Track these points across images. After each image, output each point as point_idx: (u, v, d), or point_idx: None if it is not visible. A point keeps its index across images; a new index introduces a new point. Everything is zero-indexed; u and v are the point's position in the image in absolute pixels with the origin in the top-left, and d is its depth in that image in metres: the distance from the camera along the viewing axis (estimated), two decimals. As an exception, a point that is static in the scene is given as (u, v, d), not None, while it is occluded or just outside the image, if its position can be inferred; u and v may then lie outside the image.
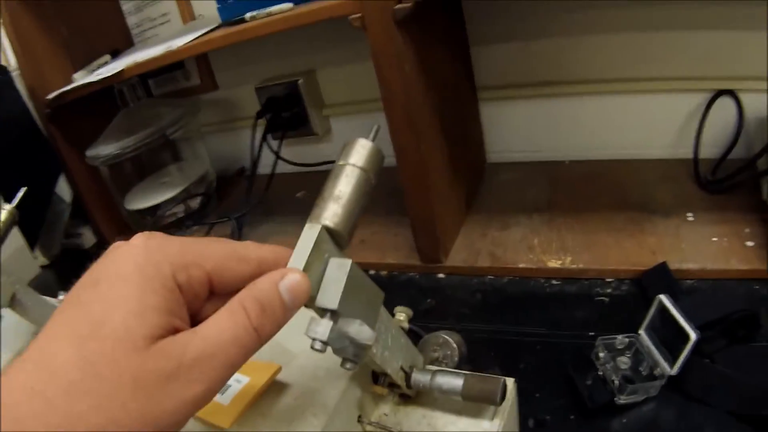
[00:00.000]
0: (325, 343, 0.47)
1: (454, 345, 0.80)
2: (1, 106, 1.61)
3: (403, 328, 0.69)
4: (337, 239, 0.52)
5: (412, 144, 1.00)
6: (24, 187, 1.41)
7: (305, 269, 0.48)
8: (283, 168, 1.69)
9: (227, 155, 1.94)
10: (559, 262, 1.01)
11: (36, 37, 1.55)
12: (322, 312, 0.49)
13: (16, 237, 1.59)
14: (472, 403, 0.65)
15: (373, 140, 0.57)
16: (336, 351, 0.51)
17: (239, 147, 1.85)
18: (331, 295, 0.49)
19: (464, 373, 0.65)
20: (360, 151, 0.55)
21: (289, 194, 1.65)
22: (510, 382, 0.67)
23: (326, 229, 0.51)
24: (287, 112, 1.65)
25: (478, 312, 1.03)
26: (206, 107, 1.86)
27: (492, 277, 1.07)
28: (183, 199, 1.77)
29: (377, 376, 0.68)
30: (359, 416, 0.69)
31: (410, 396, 0.71)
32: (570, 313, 0.93)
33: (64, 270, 1.89)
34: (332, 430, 0.64)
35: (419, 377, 0.67)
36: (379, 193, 1.43)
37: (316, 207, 0.53)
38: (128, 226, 1.84)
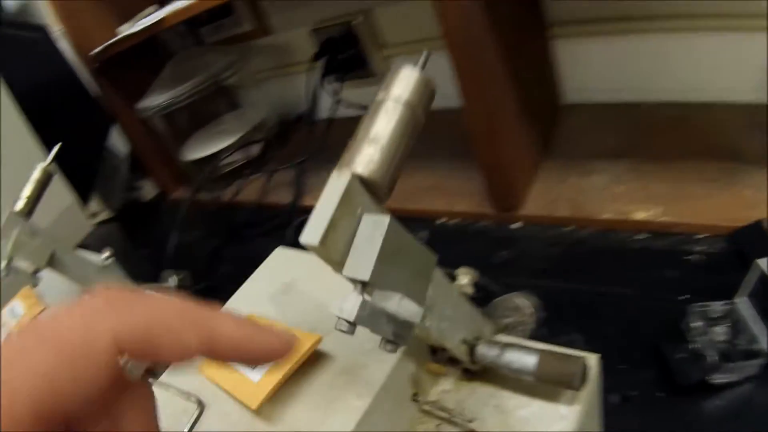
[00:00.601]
0: (352, 324, 0.37)
1: (528, 310, 0.68)
2: (43, 65, 1.59)
3: (466, 294, 0.58)
4: (373, 191, 0.41)
5: (475, 83, 0.89)
6: (72, 143, 1.36)
7: (330, 228, 0.37)
8: (344, 112, 1.59)
9: (288, 101, 1.85)
10: (647, 213, 0.88)
11: None
12: (353, 283, 0.39)
13: (65, 195, 1.56)
14: (548, 383, 0.54)
15: (422, 69, 0.45)
16: (374, 331, 0.40)
17: (299, 92, 1.76)
18: (362, 262, 0.38)
19: (539, 349, 0.53)
20: (403, 82, 0.44)
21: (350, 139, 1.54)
22: (593, 360, 0.55)
23: (358, 179, 0.40)
24: (345, 54, 1.54)
25: (555, 268, 0.91)
26: (261, 53, 1.78)
27: (572, 228, 0.95)
28: (241, 146, 1.71)
29: (435, 350, 0.57)
30: (414, 394, 0.59)
31: (476, 371, 0.60)
32: (658, 272, 0.82)
33: (126, 223, 1.87)
34: (378, 413, 0.54)
35: (486, 351, 0.56)
36: (450, 133, 1.35)
37: (347, 151, 0.42)
38: (186, 176, 1.80)
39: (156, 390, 0.72)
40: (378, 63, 1.52)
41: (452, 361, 0.58)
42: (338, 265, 0.39)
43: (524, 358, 0.53)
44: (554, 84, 1.25)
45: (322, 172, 1.45)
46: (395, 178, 0.42)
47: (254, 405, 0.56)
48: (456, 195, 1.13)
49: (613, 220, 0.92)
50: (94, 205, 1.90)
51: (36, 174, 0.96)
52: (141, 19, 1.51)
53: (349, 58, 1.53)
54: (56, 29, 1.57)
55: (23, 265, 0.93)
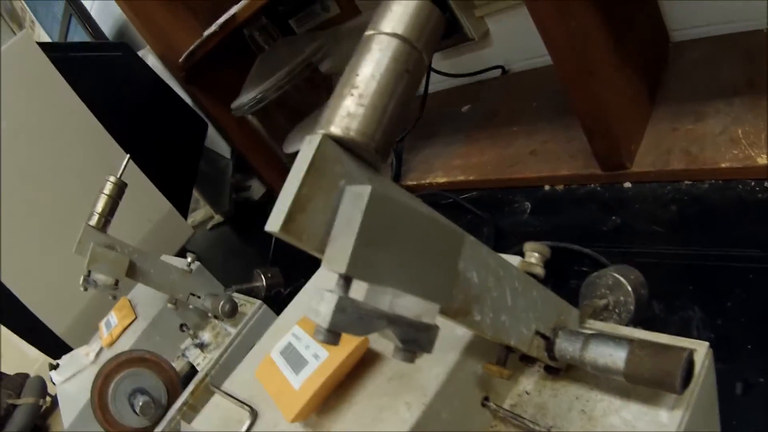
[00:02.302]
0: (330, 332, 0.28)
1: (629, 288, 0.56)
2: (129, 80, 1.61)
3: (535, 276, 0.47)
4: (360, 154, 0.32)
5: (560, 23, 0.75)
6: (168, 152, 1.37)
7: (296, 208, 0.29)
8: (442, 84, 1.53)
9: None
10: None
11: (153, 8, 1.51)
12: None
13: (162, 203, 1.57)
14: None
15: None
16: (383, 336, 0.31)
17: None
18: (338, 249, 0.29)
19: (630, 340, 0.42)
20: (396, 12, 0.33)
21: (452, 111, 1.45)
22: (701, 351, 0.43)
23: (334, 141, 0.31)
24: (435, 20, 1.43)
25: (672, 230, 0.77)
26: (352, 35, 1.71)
27: (689, 182, 0.80)
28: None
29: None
30: (485, 398, 0.49)
31: (559, 369, 0.49)
32: None
33: (237, 225, 1.88)
34: (434, 422, 0.45)
35: (565, 345, 0.45)
36: (549, 91, 1.22)
37: (325, 109, 0.33)
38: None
39: (215, 398, 0.68)
40: (471, 24, 1.39)
41: (528, 359, 0.48)
42: (319, 252, 0.30)
43: (611, 354, 0.42)
44: (659, 21, 1.08)
45: (424, 149, 1.38)
46: (390, 135, 0.32)
47: (289, 417, 0.48)
48: (559, 159, 1.00)
49: (735, 169, 0.77)
50: (206, 210, 1.93)
51: (107, 188, 0.94)
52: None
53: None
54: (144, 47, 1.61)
55: (101, 277, 0.92)
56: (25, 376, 1.79)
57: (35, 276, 1.39)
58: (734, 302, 0.63)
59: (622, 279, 0.56)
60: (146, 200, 1.52)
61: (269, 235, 1.11)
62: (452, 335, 0.48)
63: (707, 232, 0.73)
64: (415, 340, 0.31)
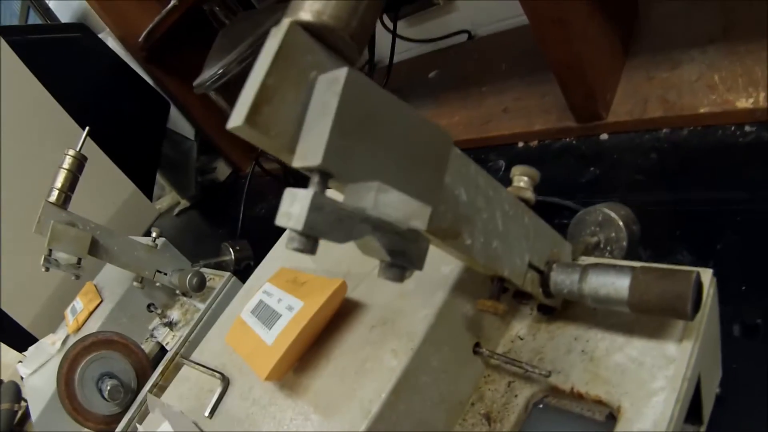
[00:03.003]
0: (307, 237, 0.23)
1: (620, 223, 0.53)
2: (88, 61, 1.58)
3: (526, 201, 0.43)
4: (333, 44, 0.28)
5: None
6: (129, 133, 1.31)
7: (262, 99, 0.24)
8: (409, 51, 1.50)
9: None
10: (751, 100, 0.71)
11: None
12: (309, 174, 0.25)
13: (126, 184, 1.52)
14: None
15: None
16: (360, 246, 0.27)
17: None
18: (312, 140, 0.24)
19: (631, 267, 0.38)
20: None
21: (420, 77, 1.41)
22: (705, 275, 0.39)
23: (304, 28, 0.26)
24: (397, -11, 1.40)
25: (655, 178, 0.75)
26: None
27: (667, 130, 0.78)
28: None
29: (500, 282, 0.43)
30: (476, 344, 0.45)
31: (554, 308, 0.46)
32: None
33: (205, 207, 1.83)
34: (423, 373, 0.41)
35: (562, 278, 0.42)
36: (517, 52, 1.19)
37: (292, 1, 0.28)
38: (256, 149, 1.73)
39: (184, 370, 0.63)
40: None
41: (522, 295, 0.44)
42: (289, 152, 0.26)
43: (613, 281, 0.38)
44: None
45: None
46: (366, 23, 0.28)
47: (263, 375, 0.44)
48: (532, 114, 0.97)
49: (712, 114, 0.75)
50: (172, 196, 1.88)
51: (66, 162, 0.88)
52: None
53: (403, -10, 1.39)
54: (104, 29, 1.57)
55: (63, 256, 0.87)
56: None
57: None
58: (724, 245, 0.61)
59: (612, 214, 0.53)
60: (109, 182, 1.46)
61: (237, 215, 1.06)
62: (438, 274, 0.44)
63: (690, 178, 0.71)
64: (404, 252, 0.27)
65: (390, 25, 1.35)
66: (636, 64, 0.90)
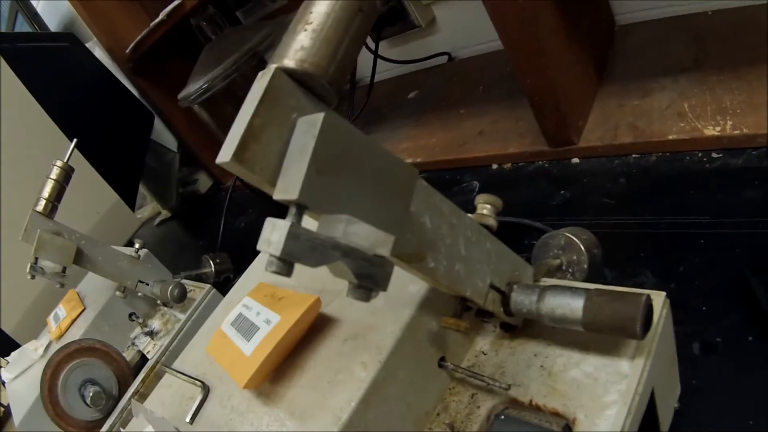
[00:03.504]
0: (284, 262, 0.27)
1: (582, 247, 0.56)
2: (76, 70, 1.60)
3: (488, 227, 0.47)
4: (312, 88, 0.31)
5: (511, 4, 0.76)
6: (114, 143, 1.33)
7: (249, 138, 0.28)
8: (390, 72, 1.53)
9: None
10: (718, 128, 0.75)
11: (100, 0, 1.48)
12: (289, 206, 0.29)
13: (109, 194, 1.54)
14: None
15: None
16: (331, 270, 0.30)
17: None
18: (291, 177, 0.28)
19: (586, 289, 0.42)
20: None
21: (400, 98, 1.45)
22: (658, 298, 0.43)
23: (287, 73, 0.30)
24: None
25: (623, 201, 0.79)
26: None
27: (637, 155, 0.83)
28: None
29: (465, 302, 0.46)
30: (441, 358, 0.48)
31: (516, 326, 0.49)
32: (738, 194, 0.69)
33: (185, 218, 1.85)
34: (391, 384, 0.44)
35: (521, 298, 0.45)
36: (496, 75, 1.23)
37: (278, 46, 0.32)
38: (238, 162, 1.75)
39: (165, 378, 0.66)
40: (418, 12, 1.40)
41: (485, 313, 0.47)
42: (270, 185, 0.29)
43: (568, 302, 0.42)
44: (606, 4, 1.10)
45: (372, 134, 1.37)
46: (344, 68, 0.31)
47: (242, 383, 0.47)
48: (507, 138, 1.01)
49: (681, 140, 0.79)
50: (153, 206, 1.89)
51: (53, 173, 0.91)
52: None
53: (387, 12, 1.42)
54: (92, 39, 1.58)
55: (49, 265, 0.89)
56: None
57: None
58: (686, 266, 0.64)
59: (574, 238, 0.57)
60: (93, 191, 1.48)
61: (217, 227, 1.08)
62: (406, 293, 0.48)
63: (657, 202, 0.75)
64: (370, 275, 0.30)
65: (372, 46, 1.38)
66: (609, 92, 0.94)
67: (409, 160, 1.18)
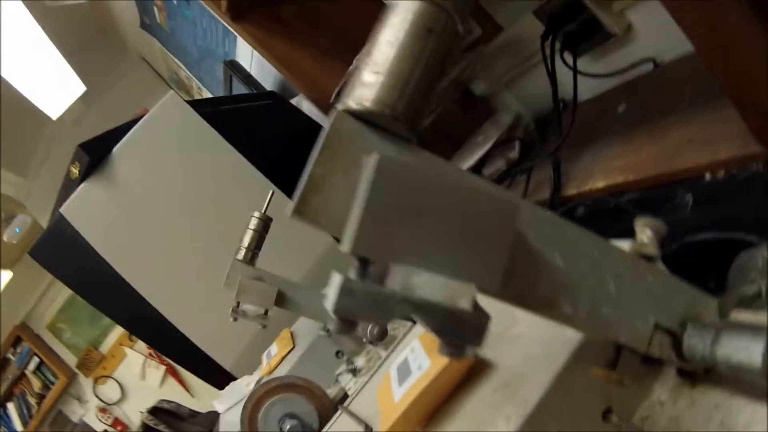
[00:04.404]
0: (343, 320, 0.25)
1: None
2: (281, 124, 1.72)
3: (648, 257, 0.40)
4: (388, 128, 0.29)
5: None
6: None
7: (311, 190, 0.26)
8: (597, 88, 1.41)
9: (542, 95, 1.71)
10: None
11: (295, 55, 1.57)
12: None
13: (323, 235, 1.59)
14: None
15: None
16: (427, 326, 0.28)
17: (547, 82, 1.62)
18: (351, 226, 0.26)
19: (769, 329, 0.34)
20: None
21: (608, 113, 1.36)
22: None
23: (352, 116, 0.28)
24: (573, 24, 1.36)
25: None
26: (499, 53, 1.66)
27: None
28: (500, 152, 1.61)
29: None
30: (606, 410, 0.42)
31: (695, 372, 0.42)
32: None
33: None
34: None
35: (695, 341, 0.38)
36: (703, 77, 1.09)
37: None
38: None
39: (341, 417, 0.66)
40: (612, 20, 1.30)
41: (655, 360, 0.41)
42: (341, 235, 0.28)
43: (747, 346, 0.34)
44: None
45: (582, 156, 1.30)
46: (417, 103, 0.28)
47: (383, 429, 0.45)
48: (716, 143, 0.89)
49: None
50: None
51: (252, 223, 0.98)
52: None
53: (580, 25, 1.35)
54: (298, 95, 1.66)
55: (250, 308, 0.95)
56: (217, 414, 1.90)
57: (201, 315, 1.49)
58: None
59: (771, 258, 0.47)
60: (308, 235, 1.55)
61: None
62: (561, 337, 0.43)
63: None
64: (455, 331, 0.27)
65: (570, 63, 1.31)
66: None
67: (620, 180, 1.10)
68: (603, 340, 0.37)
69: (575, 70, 1.31)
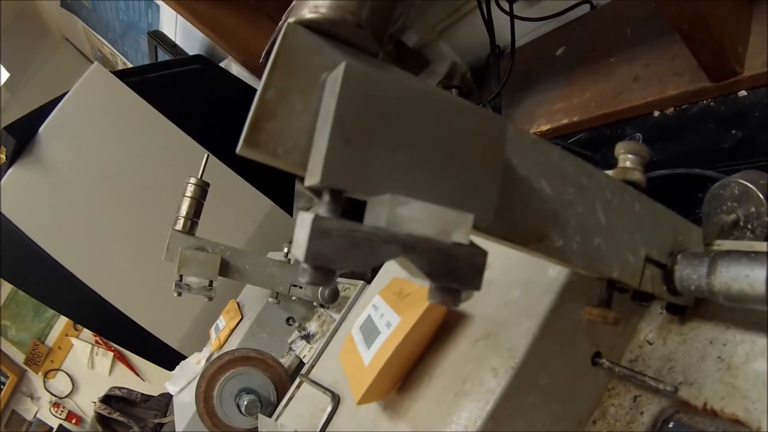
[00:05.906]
0: (317, 269, 0.20)
1: (760, 194, 0.44)
2: (211, 88, 1.65)
3: (635, 184, 0.37)
4: (344, 37, 0.24)
5: None
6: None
7: (259, 117, 0.21)
8: (533, 33, 1.42)
9: (477, 43, 1.68)
10: None
11: (221, 16, 1.50)
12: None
13: (263, 202, 1.55)
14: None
15: None
16: (401, 266, 0.23)
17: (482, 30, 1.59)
18: (316, 153, 0.21)
19: (771, 253, 0.31)
20: None
21: (546, 57, 1.33)
22: None
23: (306, 26, 0.23)
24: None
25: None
26: (432, 2, 1.62)
27: None
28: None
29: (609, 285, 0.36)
30: (595, 354, 0.39)
31: (686, 306, 0.39)
32: None
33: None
34: (528, 392, 0.36)
35: (688, 272, 0.35)
36: (642, 15, 1.08)
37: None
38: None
39: (303, 387, 0.62)
40: (548, -39, 1.27)
41: (644, 296, 0.38)
42: (304, 169, 0.23)
43: (747, 273, 0.31)
44: None
45: (523, 101, 1.28)
46: (382, 11, 0.24)
47: (357, 399, 0.41)
48: (664, 79, 0.88)
49: None
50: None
51: (188, 190, 0.91)
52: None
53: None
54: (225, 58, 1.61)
55: (194, 280, 0.89)
56: (170, 396, 1.84)
57: (143, 295, 1.43)
58: None
59: (750, 185, 0.45)
60: (246, 201, 1.50)
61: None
62: (545, 278, 0.39)
63: None
64: (450, 272, 0.22)
65: (506, 8, 1.28)
66: (765, 9, 0.78)
67: (565, 121, 1.08)
68: (596, 275, 0.33)
69: (512, 15, 1.28)
